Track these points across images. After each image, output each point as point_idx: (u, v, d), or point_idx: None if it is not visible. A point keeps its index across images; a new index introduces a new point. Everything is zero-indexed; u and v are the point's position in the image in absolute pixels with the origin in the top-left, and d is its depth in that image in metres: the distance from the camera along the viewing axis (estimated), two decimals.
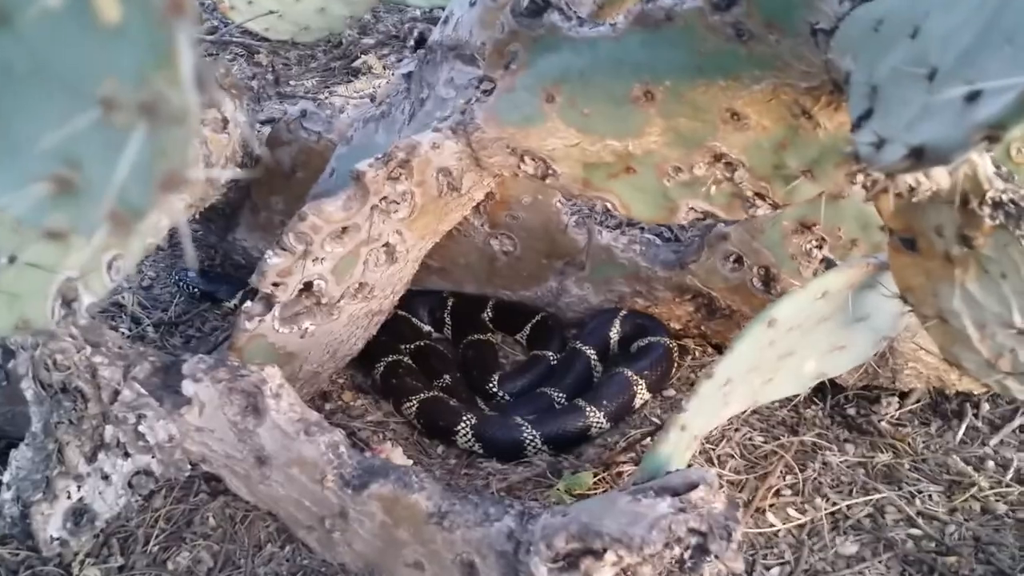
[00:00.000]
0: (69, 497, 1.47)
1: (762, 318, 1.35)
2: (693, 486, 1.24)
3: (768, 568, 1.45)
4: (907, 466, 1.64)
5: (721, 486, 1.52)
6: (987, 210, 1.19)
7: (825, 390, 1.82)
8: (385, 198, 1.52)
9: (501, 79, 1.43)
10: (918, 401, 1.79)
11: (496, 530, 1.29)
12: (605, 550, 1.19)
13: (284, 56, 3.48)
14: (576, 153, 1.41)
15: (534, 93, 1.39)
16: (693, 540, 1.20)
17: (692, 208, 1.42)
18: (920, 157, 0.80)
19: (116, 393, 1.47)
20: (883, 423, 1.74)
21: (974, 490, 1.58)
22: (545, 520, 1.27)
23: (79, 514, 1.48)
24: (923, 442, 1.70)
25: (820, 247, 1.73)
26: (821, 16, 1.12)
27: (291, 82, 3.25)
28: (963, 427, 1.72)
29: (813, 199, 1.37)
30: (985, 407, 1.76)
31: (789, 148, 1.28)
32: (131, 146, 0.38)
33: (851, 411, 1.79)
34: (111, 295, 2.20)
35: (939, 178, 1.20)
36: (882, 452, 1.68)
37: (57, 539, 1.46)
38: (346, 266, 1.60)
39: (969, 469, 1.62)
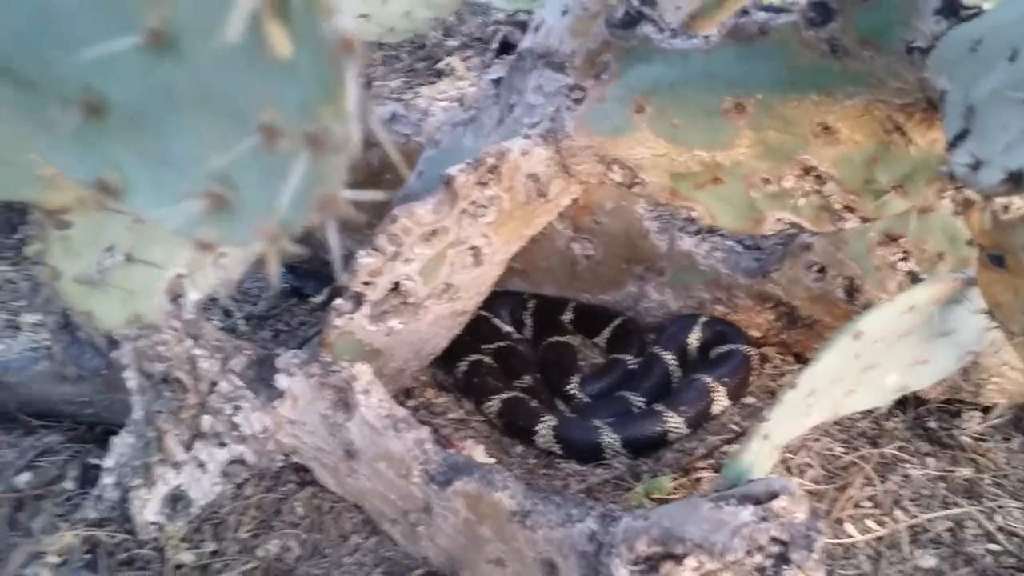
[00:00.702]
0: (167, 483, 1.54)
1: (848, 330, 1.35)
2: (775, 495, 1.25)
3: None
4: (988, 481, 1.64)
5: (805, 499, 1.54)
6: None
7: (907, 403, 1.81)
8: (474, 202, 1.56)
9: (592, 88, 1.46)
10: (1000, 416, 1.78)
11: (578, 531, 1.32)
12: (686, 555, 1.21)
13: (370, 57, 3.55)
14: (664, 163, 1.43)
15: (624, 103, 1.42)
16: (774, 549, 1.21)
17: (779, 219, 1.43)
18: (1019, 182, 0.81)
19: (214, 384, 1.54)
20: (965, 437, 1.73)
21: None
22: (627, 523, 1.29)
23: (176, 500, 1.55)
24: (1005, 457, 1.69)
25: (905, 259, 1.73)
26: (918, 35, 1.13)
27: (376, 83, 3.32)
28: None
29: (902, 213, 1.37)
30: None
31: (880, 163, 1.29)
32: (295, 172, 0.42)
33: (933, 424, 1.78)
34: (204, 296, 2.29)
35: None
36: (963, 466, 1.67)
37: (154, 523, 1.54)
38: (433, 267, 1.64)
39: None
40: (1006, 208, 1.20)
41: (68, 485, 1.70)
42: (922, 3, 1.12)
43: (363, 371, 1.51)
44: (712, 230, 2.20)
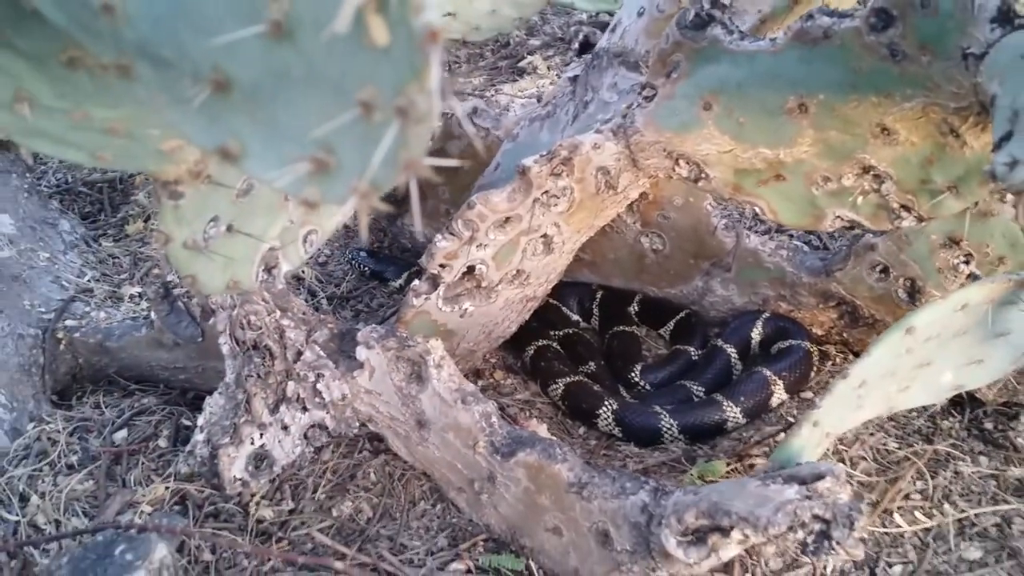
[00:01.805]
0: (252, 443, 1.66)
1: (901, 325, 1.41)
2: (820, 477, 1.32)
3: (891, 566, 1.51)
4: None
5: (850, 484, 1.60)
6: None
7: (964, 403, 1.85)
8: (547, 192, 1.64)
9: (662, 86, 1.53)
10: None
11: (631, 503, 1.40)
12: (732, 528, 1.28)
13: (455, 54, 3.66)
14: (728, 159, 1.50)
15: (692, 101, 1.49)
16: (816, 526, 1.28)
17: (839, 216, 1.49)
18: None
19: (299, 353, 1.65)
20: (1020, 439, 1.77)
21: None
22: (677, 497, 1.37)
23: (260, 459, 1.67)
24: None
25: (967, 262, 1.76)
26: (973, 42, 1.18)
27: (460, 79, 3.42)
28: None
29: (959, 214, 1.42)
30: None
31: (936, 164, 1.34)
32: (387, 139, 0.51)
33: (989, 425, 1.81)
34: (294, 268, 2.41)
35: None
36: (1016, 466, 1.71)
37: (239, 480, 1.65)
38: (506, 253, 1.73)
39: None
40: None
41: (161, 443, 1.83)
42: (979, 11, 1.18)
43: (436, 347, 1.60)
44: (780, 229, 2.27)
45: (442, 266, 1.71)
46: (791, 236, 2.26)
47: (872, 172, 1.40)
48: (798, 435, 1.43)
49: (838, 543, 1.27)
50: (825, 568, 1.52)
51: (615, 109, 1.69)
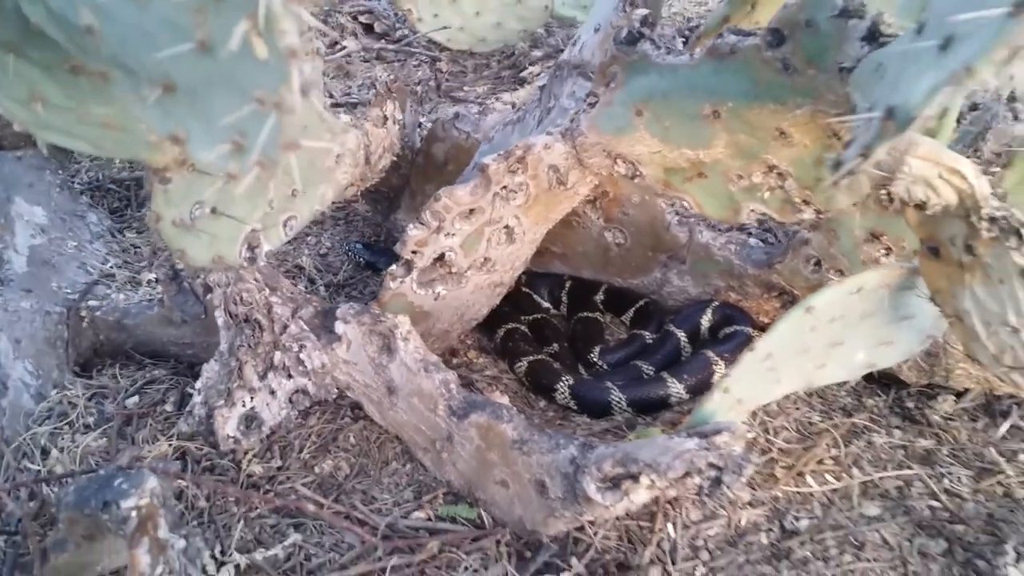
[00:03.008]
0: (244, 406, 1.88)
1: (801, 305, 1.61)
2: (719, 432, 1.52)
3: (798, 519, 1.71)
4: (945, 452, 1.86)
5: (768, 451, 1.80)
6: (985, 224, 1.43)
7: (891, 385, 2.04)
8: (505, 187, 1.86)
9: (603, 95, 1.74)
10: (973, 400, 1.98)
11: (562, 456, 1.61)
12: (640, 474, 1.49)
13: (462, 64, 3.88)
14: (658, 159, 1.71)
15: (627, 108, 1.70)
16: (712, 473, 1.48)
17: (752, 210, 1.69)
18: (892, 115, 1.04)
19: (285, 327, 1.88)
20: (936, 416, 1.95)
21: (1000, 477, 1.78)
22: (599, 451, 1.57)
23: (250, 420, 1.89)
24: (967, 435, 1.90)
25: (887, 255, 1.96)
26: (846, 57, 1.38)
27: (464, 87, 3.65)
28: (1006, 425, 1.90)
29: (850, 207, 1.61)
30: None
31: (823, 164, 1.54)
32: (268, 125, 0.73)
33: (910, 404, 2.00)
34: (294, 259, 2.65)
35: (946, 195, 1.44)
36: (926, 439, 1.89)
37: (231, 437, 1.88)
38: (473, 242, 1.94)
39: (1001, 460, 1.82)
40: (924, 204, 1.44)
41: (168, 408, 2.06)
42: (851, 31, 1.38)
43: (403, 322, 1.83)
44: (741, 227, 2.46)
45: (414, 252, 1.92)
46: (749, 234, 2.46)
47: (776, 171, 1.60)
48: (711, 400, 1.63)
49: (728, 487, 1.48)
50: (740, 520, 1.72)
51: (571, 114, 1.90)
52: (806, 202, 1.62)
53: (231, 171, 0.83)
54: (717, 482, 1.48)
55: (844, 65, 1.39)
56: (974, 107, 2.61)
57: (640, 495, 1.50)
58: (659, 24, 1.70)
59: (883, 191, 1.48)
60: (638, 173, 1.75)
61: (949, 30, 0.89)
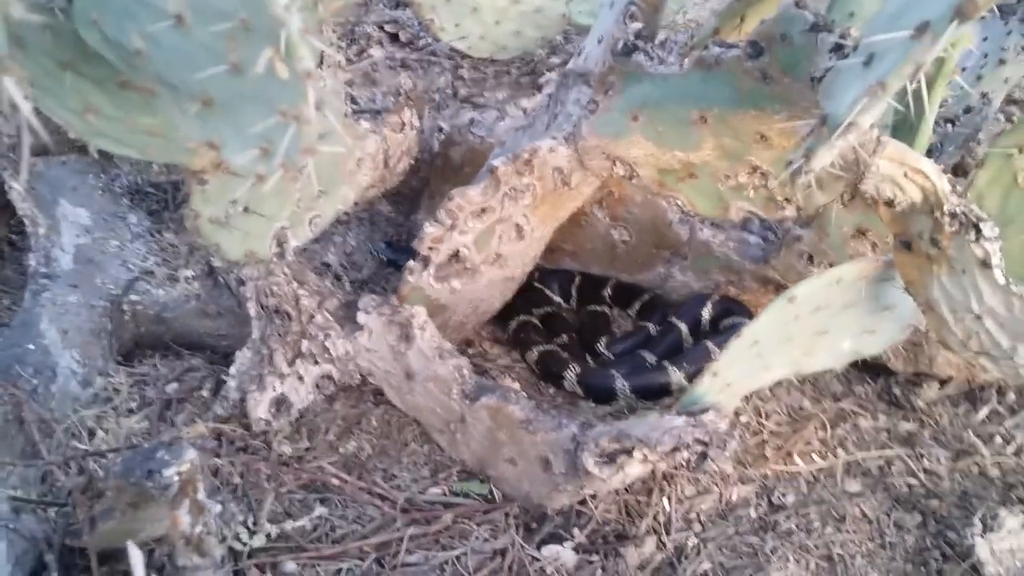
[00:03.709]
0: (274, 390, 2.03)
1: (784, 295, 1.74)
2: (706, 411, 1.66)
3: (785, 495, 1.85)
4: (927, 435, 1.99)
5: (759, 432, 1.94)
6: (947, 219, 1.56)
7: (880, 374, 2.17)
8: (513, 188, 2.00)
9: (602, 102, 1.89)
10: (956, 388, 2.11)
11: (564, 434, 1.75)
12: (633, 448, 1.63)
13: (483, 71, 4.03)
14: (652, 160, 1.85)
15: (624, 113, 1.84)
16: (698, 448, 1.62)
17: (740, 208, 1.83)
18: (825, 122, 1.19)
19: (312, 317, 2.03)
20: (920, 402, 2.08)
21: (977, 457, 1.90)
22: (598, 428, 1.72)
23: (280, 403, 2.05)
24: (948, 419, 2.03)
25: (874, 249, 2.08)
26: (816, 68, 1.52)
27: (484, 93, 3.80)
28: (985, 410, 2.03)
29: (825, 204, 1.75)
30: (1011, 396, 2.07)
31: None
32: (288, 134, 0.88)
33: (897, 391, 2.13)
34: (321, 256, 2.81)
35: (912, 192, 1.58)
36: (909, 423, 2.02)
37: (263, 420, 2.03)
38: (485, 239, 2.09)
39: (979, 442, 1.94)
40: (892, 201, 1.58)
41: (204, 393, 2.21)
42: (820, 44, 1.51)
43: (420, 312, 1.98)
44: (730, 223, 2.59)
45: (431, 248, 2.07)
46: (751, 232, 2.58)
47: (759, 171, 1.74)
48: (700, 383, 1.77)
49: (712, 460, 1.62)
50: (731, 496, 1.86)
51: (574, 120, 2.04)
52: (787, 200, 1.75)
53: (260, 172, 0.99)
54: (703, 456, 1.62)
55: (815, 75, 1.52)
56: (967, 110, 2.73)
57: (634, 468, 1.65)
58: (665, 33, 1.84)
59: (852, 189, 1.61)
60: (635, 174, 1.89)
61: (872, 48, 1.03)
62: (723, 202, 1.83)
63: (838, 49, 1.49)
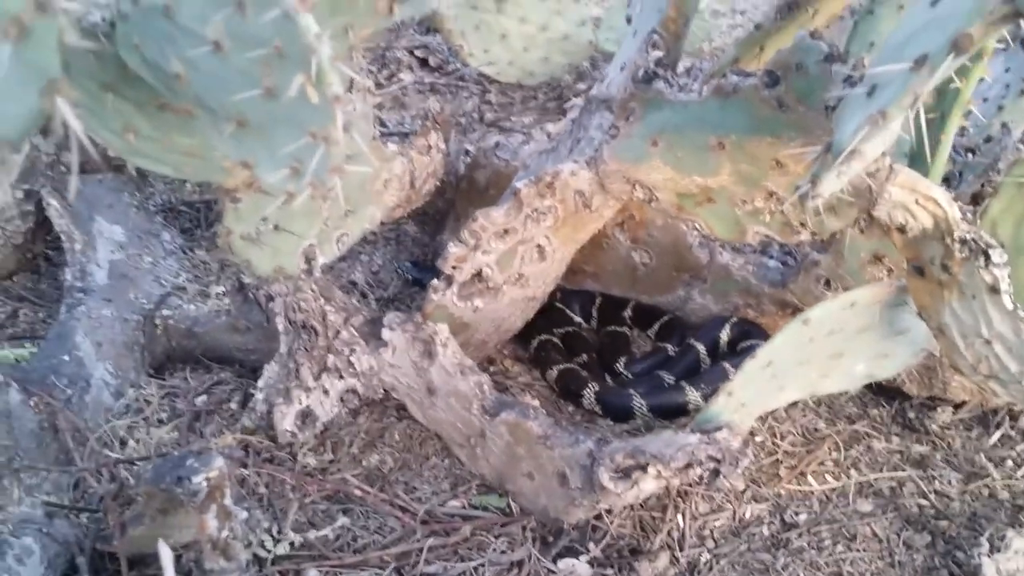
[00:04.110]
0: (300, 403, 2.09)
1: (799, 317, 1.78)
2: (719, 429, 1.70)
3: (798, 514, 1.88)
4: (939, 457, 2.01)
5: (774, 452, 1.97)
6: (957, 246, 1.60)
7: (896, 397, 2.20)
8: (536, 209, 2.06)
9: (623, 127, 1.94)
10: (970, 411, 2.13)
11: (581, 450, 1.80)
12: (648, 464, 1.67)
13: (511, 96, 4.10)
14: (671, 185, 1.90)
15: (644, 139, 1.89)
16: (711, 465, 1.66)
17: (757, 232, 1.87)
18: (829, 149, 1.24)
19: (338, 333, 2.09)
20: (933, 426, 2.11)
21: (987, 480, 1.93)
22: (614, 444, 1.76)
23: (306, 416, 2.10)
24: (961, 442, 2.05)
25: (890, 275, 2.12)
26: (830, 97, 1.56)
27: (512, 118, 3.87)
28: (998, 434, 2.05)
29: (839, 231, 1.79)
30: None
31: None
32: (317, 154, 0.94)
33: (911, 415, 2.15)
34: (349, 275, 2.87)
35: (923, 219, 1.62)
36: (922, 446, 2.05)
37: (289, 432, 2.09)
38: (507, 259, 2.14)
39: (990, 465, 1.97)
40: (903, 227, 1.62)
41: (232, 406, 2.27)
42: (835, 74, 1.56)
43: (442, 329, 2.03)
44: (749, 247, 2.64)
45: (454, 267, 2.12)
46: (771, 256, 2.62)
47: (775, 196, 1.78)
48: (716, 402, 1.81)
49: (724, 477, 1.66)
50: (744, 513, 1.89)
51: (596, 144, 2.09)
52: (803, 225, 1.79)
53: (290, 190, 1.04)
54: (716, 473, 1.66)
55: (829, 104, 1.57)
56: (987, 139, 2.76)
57: (648, 484, 1.69)
58: (691, 60, 1.90)
59: (867, 215, 1.65)
60: (654, 197, 1.94)
61: (876, 79, 1.07)
62: (740, 226, 1.88)
63: (850, 79, 1.54)
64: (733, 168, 1.79)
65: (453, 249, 2.09)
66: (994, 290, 1.58)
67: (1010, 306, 1.58)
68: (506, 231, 2.09)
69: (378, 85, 4.02)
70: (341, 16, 1.40)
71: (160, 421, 2.24)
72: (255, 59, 0.97)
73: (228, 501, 1.55)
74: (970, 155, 2.72)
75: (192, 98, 1.13)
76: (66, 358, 2.23)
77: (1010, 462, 1.98)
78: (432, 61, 4.33)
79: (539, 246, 2.15)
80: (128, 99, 1.30)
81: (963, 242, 1.59)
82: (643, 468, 1.68)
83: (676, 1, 1.96)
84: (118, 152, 1.36)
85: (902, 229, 1.64)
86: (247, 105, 1.03)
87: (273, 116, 1.01)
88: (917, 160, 2.08)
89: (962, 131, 2.72)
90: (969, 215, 1.61)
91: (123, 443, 2.15)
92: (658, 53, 1.87)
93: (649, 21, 2.02)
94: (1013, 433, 2.07)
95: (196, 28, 1.02)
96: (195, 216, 3.30)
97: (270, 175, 1.07)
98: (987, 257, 1.57)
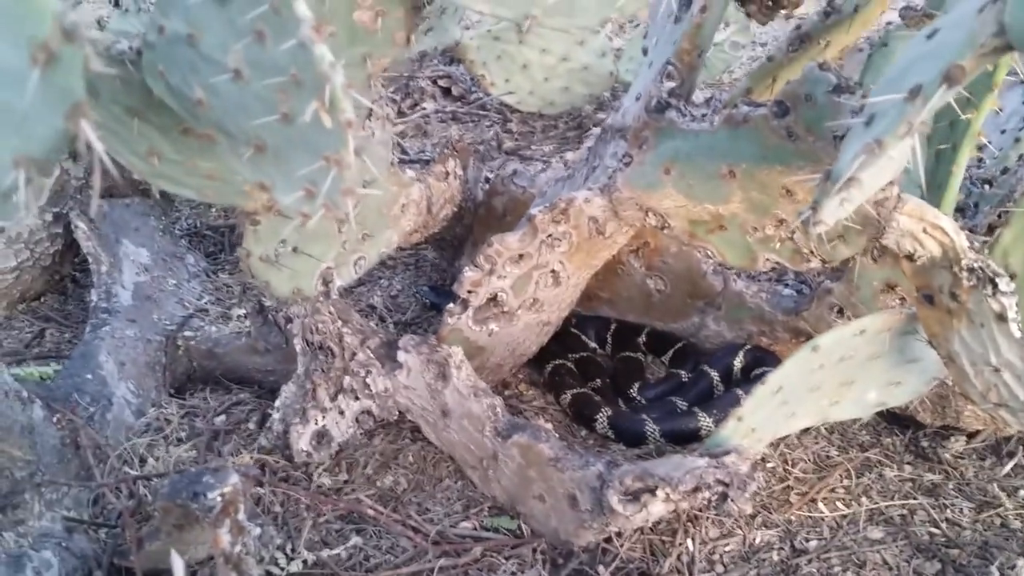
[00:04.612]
0: (316, 423, 2.13)
1: (809, 344, 1.80)
2: (728, 453, 1.72)
3: (808, 540, 1.88)
4: (951, 487, 2.02)
5: (785, 479, 1.98)
6: (965, 274, 1.61)
7: (910, 425, 2.20)
8: (550, 235, 2.09)
9: (637, 155, 1.97)
10: (983, 441, 2.14)
11: (591, 472, 1.82)
12: (656, 487, 1.69)
13: (532, 125, 4.16)
14: (683, 212, 1.92)
15: (656, 167, 1.92)
16: (719, 488, 1.67)
17: (768, 259, 1.89)
18: (828, 176, 1.26)
19: (354, 355, 2.13)
20: (947, 455, 2.11)
21: (1000, 509, 1.93)
22: (623, 467, 1.78)
23: (321, 436, 2.14)
24: (974, 472, 2.06)
25: (902, 304, 2.13)
26: (839, 127, 1.59)
27: (532, 147, 3.92)
28: (1011, 463, 2.05)
29: (848, 259, 1.80)
30: None
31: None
32: (329, 177, 0.98)
33: (924, 444, 2.16)
34: (368, 299, 2.91)
35: (931, 247, 1.64)
36: (935, 474, 2.05)
37: (305, 452, 2.12)
38: (522, 284, 2.18)
39: (1003, 494, 1.97)
40: (911, 255, 1.64)
41: (251, 426, 2.31)
42: (843, 105, 1.59)
43: (456, 352, 2.06)
44: (779, 278, 2.66)
45: (470, 292, 2.16)
46: (786, 284, 2.64)
47: (785, 224, 1.81)
48: (726, 427, 1.82)
49: (732, 501, 1.67)
50: (754, 539, 1.90)
51: (610, 172, 2.13)
52: (812, 252, 1.82)
53: (305, 212, 1.08)
54: (724, 496, 1.68)
55: (837, 134, 1.60)
56: (1004, 171, 2.78)
57: (657, 507, 1.70)
58: (711, 91, 1.93)
59: (877, 243, 1.68)
60: (667, 225, 1.97)
61: (873, 109, 1.10)
62: (751, 253, 1.90)
63: (860, 110, 1.57)
64: (744, 196, 1.82)
65: (468, 273, 2.13)
66: (1002, 318, 1.60)
67: (1018, 334, 1.59)
68: (521, 256, 2.12)
69: (401, 113, 4.09)
70: (360, 46, 1.46)
71: (179, 440, 2.28)
72: (273, 86, 1.01)
73: (242, 516, 1.58)
74: (987, 186, 2.74)
75: (213, 123, 1.17)
76: (89, 377, 2.28)
77: (1023, 492, 1.98)
78: (455, 90, 4.40)
79: (553, 271, 2.18)
80: (152, 124, 1.35)
81: (970, 270, 1.60)
82: (652, 491, 1.70)
83: (690, 34, 1.99)
84: (142, 175, 1.40)
85: (911, 257, 1.66)
86: (265, 130, 1.07)
87: (289, 141, 1.05)
88: (930, 189, 2.10)
89: (979, 163, 2.75)
90: (976, 244, 1.62)
91: (143, 461, 2.19)
92: (671, 83, 1.90)
93: (664, 53, 2.06)
94: None
95: (218, 56, 1.07)
96: (219, 240, 3.37)
97: (286, 197, 1.11)
98: (995, 285, 1.58)
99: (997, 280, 1.58)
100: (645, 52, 2.25)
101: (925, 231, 1.63)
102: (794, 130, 1.67)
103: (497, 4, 1.30)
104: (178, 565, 1.15)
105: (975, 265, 1.60)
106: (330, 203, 1.02)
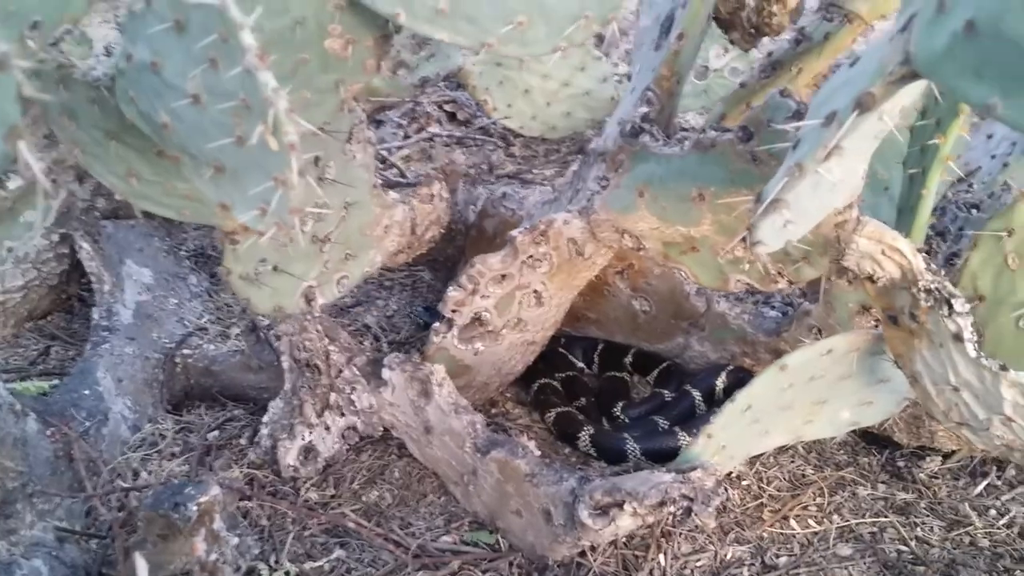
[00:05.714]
0: (303, 439, 2.18)
1: (776, 363, 1.84)
2: (694, 469, 1.76)
3: (778, 556, 1.92)
4: (923, 506, 2.04)
5: (759, 496, 2.02)
6: (922, 295, 1.65)
7: (887, 445, 2.23)
8: (531, 256, 2.14)
9: (613, 179, 2.03)
10: (959, 461, 2.16)
11: (564, 487, 1.86)
12: (624, 502, 1.73)
13: (534, 149, 4.22)
14: (657, 234, 1.97)
15: (631, 190, 1.98)
16: (684, 503, 1.71)
17: (738, 280, 1.94)
18: (759, 199, 1.31)
19: (340, 372, 2.18)
20: (921, 474, 2.14)
21: (969, 528, 1.95)
22: (594, 483, 1.82)
23: (308, 451, 2.19)
24: (947, 491, 2.08)
25: (876, 326, 2.16)
26: (777, 150, 1.63)
27: (533, 170, 3.97)
28: (984, 483, 2.08)
29: (815, 280, 1.85)
30: (1011, 471, 2.11)
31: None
32: (276, 196, 1.04)
33: (900, 463, 2.19)
34: (363, 319, 2.97)
35: (890, 269, 1.68)
36: (907, 493, 2.08)
37: (292, 466, 2.18)
38: (505, 304, 2.23)
39: (973, 514, 1.99)
40: (872, 276, 1.68)
41: (242, 442, 2.37)
42: (787, 130, 1.63)
43: (439, 369, 2.11)
44: (766, 300, 2.70)
45: (454, 311, 2.21)
46: (772, 306, 2.68)
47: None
48: (696, 444, 1.87)
49: (696, 515, 1.71)
50: (725, 555, 1.93)
51: (588, 195, 2.18)
52: (780, 274, 1.86)
53: (260, 229, 1.14)
54: (688, 511, 1.71)
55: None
56: (991, 195, 2.81)
57: (625, 521, 1.74)
58: (691, 118, 1.99)
59: (837, 265, 1.72)
60: (642, 246, 2.02)
61: (800, 134, 1.15)
62: (723, 275, 1.95)
63: None
64: (713, 218, 1.87)
65: (452, 293, 2.18)
66: (958, 338, 1.63)
67: (973, 354, 1.62)
68: (503, 276, 2.17)
69: (406, 137, 4.16)
70: (332, 73, 1.52)
71: (173, 454, 2.34)
72: (227, 110, 1.08)
73: (218, 526, 1.64)
74: (974, 211, 2.77)
75: (177, 146, 1.24)
76: (87, 392, 2.35)
77: (994, 511, 2.00)
78: (460, 115, 4.47)
79: (536, 292, 2.23)
80: (130, 146, 1.42)
81: (928, 291, 1.64)
82: (620, 505, 1.74)
83: (668, 61, 2.05)
84: (123, 195, 1.47)
85: (871, 279, 1.70)
86: (222, 152, 1.13)
87: (244, 162, 1.12)
88: (903, 213, 2.14)
89: (969, 187, 2.78)
90: (933, 266, 1.66)
91: (136, 474, 2.25)
92: (644, 108, 1.95)
93: (645, 79, 2.12)
94: (999, 483, 2.09)
95: (178, 83, 1.13)
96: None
97: (243, 215, 1.17)
98: (950, 306, 1.62)
99: (952, 301, 1.62)
100: (628, 78, 2.31)
101: (884, 253, 1.66)
102: (757, 155, 1.72)
103: (455, 32, 1.36)
104: (141, 566, 1.20)
105: (932, 286, 1.64)
106: (280, 220, 1.08)
